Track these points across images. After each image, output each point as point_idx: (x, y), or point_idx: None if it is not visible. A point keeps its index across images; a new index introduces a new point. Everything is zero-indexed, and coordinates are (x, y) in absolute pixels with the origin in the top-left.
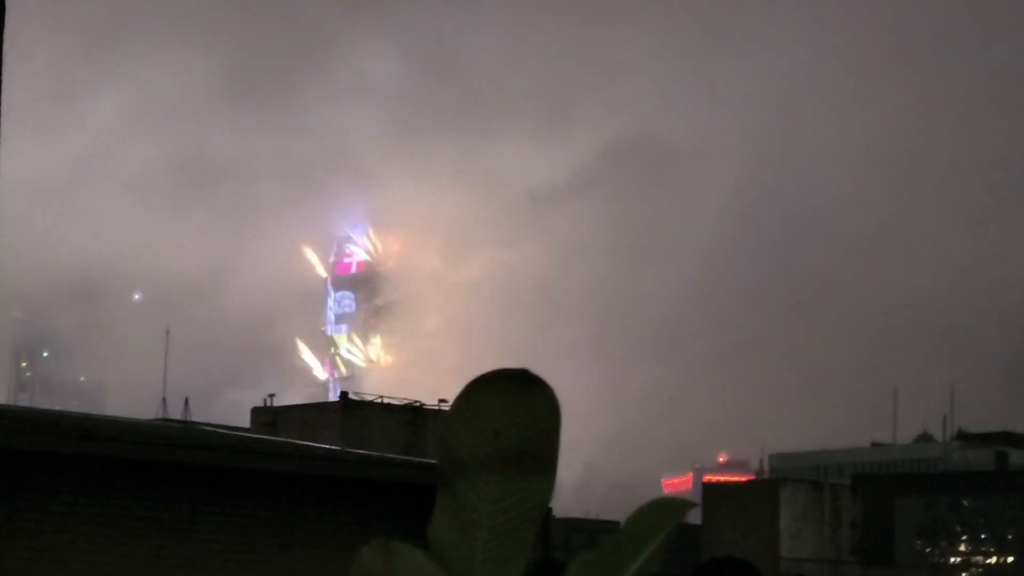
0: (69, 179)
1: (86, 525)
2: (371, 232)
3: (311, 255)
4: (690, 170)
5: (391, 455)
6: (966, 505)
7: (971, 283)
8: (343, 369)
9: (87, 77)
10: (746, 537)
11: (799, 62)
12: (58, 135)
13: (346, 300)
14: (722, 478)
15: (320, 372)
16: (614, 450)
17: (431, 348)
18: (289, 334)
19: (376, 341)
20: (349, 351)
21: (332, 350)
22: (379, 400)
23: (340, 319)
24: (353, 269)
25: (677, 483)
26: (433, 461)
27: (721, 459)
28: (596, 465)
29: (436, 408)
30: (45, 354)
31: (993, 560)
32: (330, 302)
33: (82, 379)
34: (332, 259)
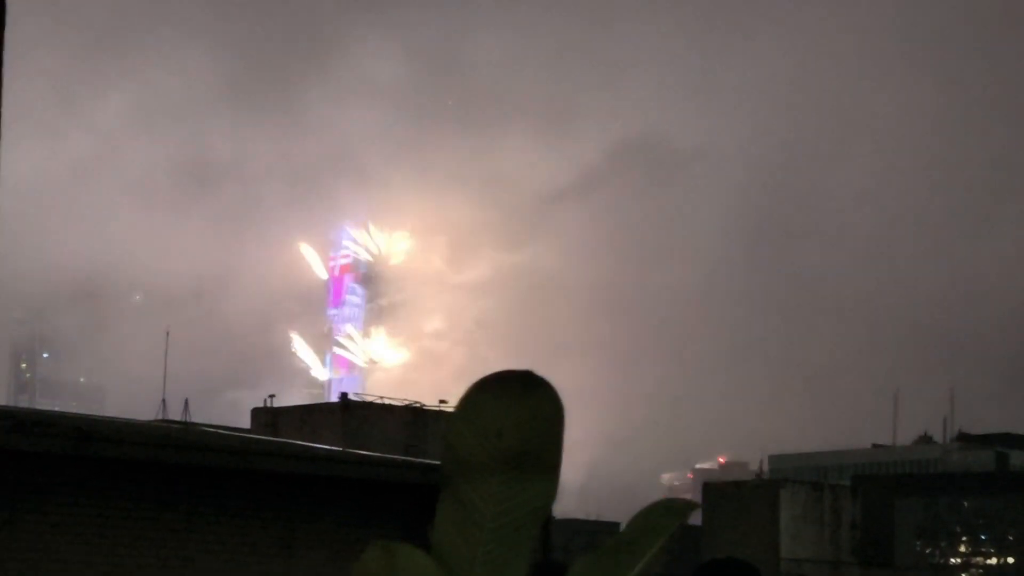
0: (71, 181)
1: (86, 526)
2: (374, 233)
3: (312, 256)
4: (694, 171)
5: (392, 456)
6: (966, 506)
7: (971, 286)
8: (338, 372)
9: (90, 79)
10: (746, 538)
11: (804, 63)
12: (60, 137)
13: (348, 301)
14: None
15: (320, 372)
16: (615, 451)
17: (435, 349)
18: (289, 335)
19: (379, 342)
20: (347, 348)
21: (334, 350)
22: (379, 401)
23: (342, 319)
24: (356, 270)
25: (677, 484)
26: (434, 462)
27: (721, 460)
28: (597, 466)
29: (437, 409)
30: (45, 355)
31: (993, 561)
32: (331, 303)
33: (82, 380)
34: (334, 260)
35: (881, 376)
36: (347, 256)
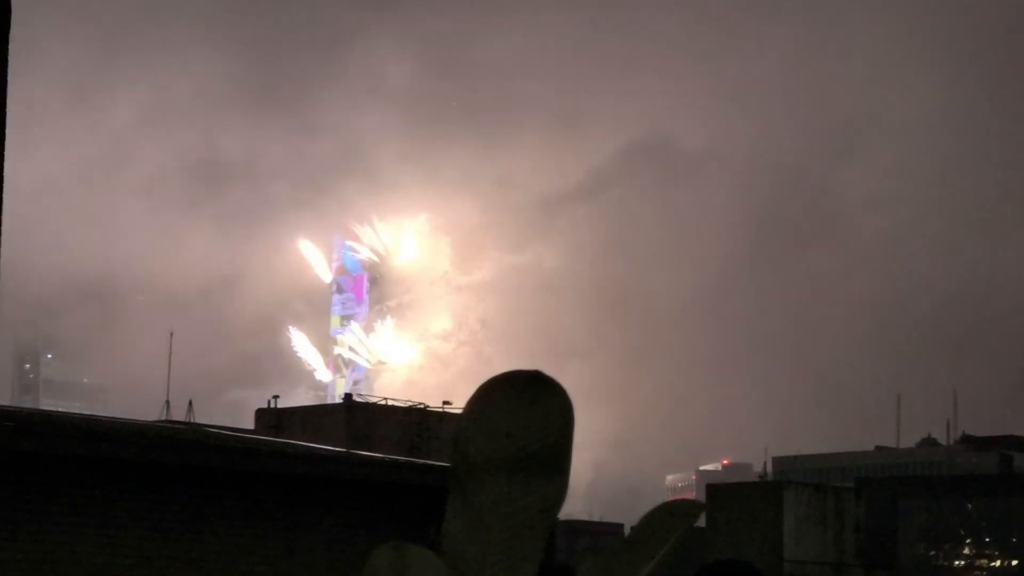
0: (79, 181)
1: (89, 527)
2: (382, 234)
3: (319, 257)
4: (703, 172)
5: (395, 457)
6: (970, 508)
7: (976, 288)
8: (344, 369)
9: (100, 79)
10: (749, 540)
11: (812, 64)
12: (69, 137)
13: (353, 301)
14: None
15: (324, 374)
16: (619, 452)
17: (440, 350)
18: (295, 336)
19: (382, 343)
20: (352, 349)
21: (336, 351)
22: (383, 402)
23: (347, 320)
24: (362, 271)
25: (680, 485)
26: (438, 463)
27: (724, 462)
28: (601, 467)
29: (440, 410)
30: (49, 356)
31: (997, 563)
32: (337, 303)
33: (86, 381)
34: (341, 261)
35: (885, 378)
36: (357, 257)
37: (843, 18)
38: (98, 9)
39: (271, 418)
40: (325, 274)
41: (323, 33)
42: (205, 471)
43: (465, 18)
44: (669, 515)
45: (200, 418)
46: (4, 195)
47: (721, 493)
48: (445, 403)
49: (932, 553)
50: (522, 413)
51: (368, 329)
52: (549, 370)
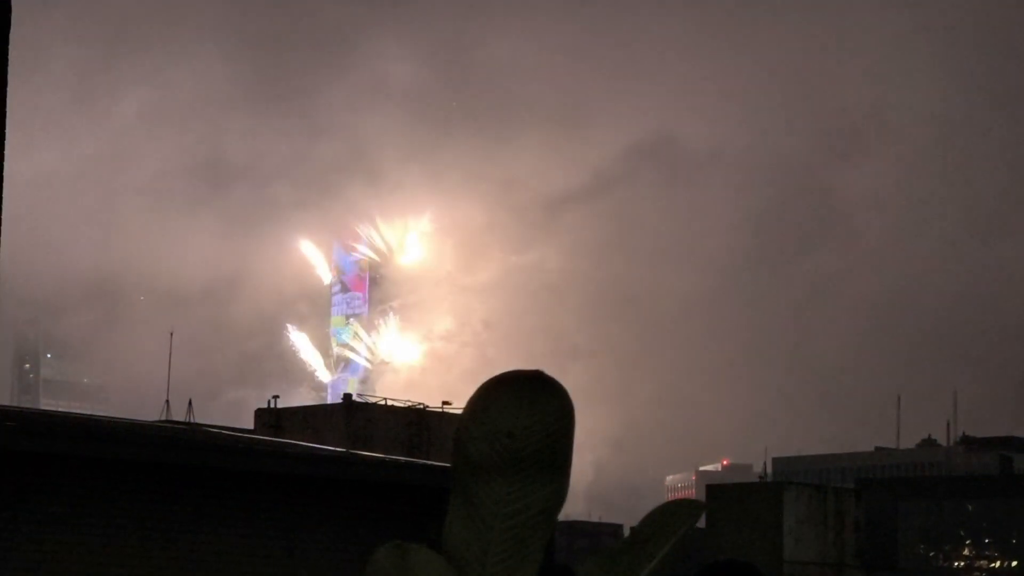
0: (82, 181)
1: (89, 527)
2: (385, 234)
3: (321, 258)
4: (707, 173)
5: (395, 457)
6: (970, 509)
7: (976, 290)
8: (335, 369)
9: (105, 78)
10: (749, 540)
11: (816, 65)
12: (72, 136)
13: (356, 301)
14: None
15: (324, 375)
16: (620, 453)
17: (443, 351)
18: (296, 336)
19: (385, 343)
20: (351, 347)
21: (336, 351)
22: (383, 402)
23: (351, 319)
24: (365, 271)
25: (679, 483)
26: (437, 464)
27: (724, 462)
28: (601, 468)
29: (440, 411)
30: (48, 356)
31: (997, 564)
32: (341, 302)
33: (86, 381)
34: (344, 261)
35: (885, 379)
36: (359, 258)
37: (846, 19)
38: (103, 9)
39: (271, 418)
40: (327, 274)
41: (327, 34)
42: (205, 471)
43: (469, 19)
44: (670, 515)
45: (200, 418)
46: (5, 194)
47: (721, 494)
48: (444, 403)
49: (932, 554)
50: (523, 413)
51: (369, 328)
52: (552, 371)
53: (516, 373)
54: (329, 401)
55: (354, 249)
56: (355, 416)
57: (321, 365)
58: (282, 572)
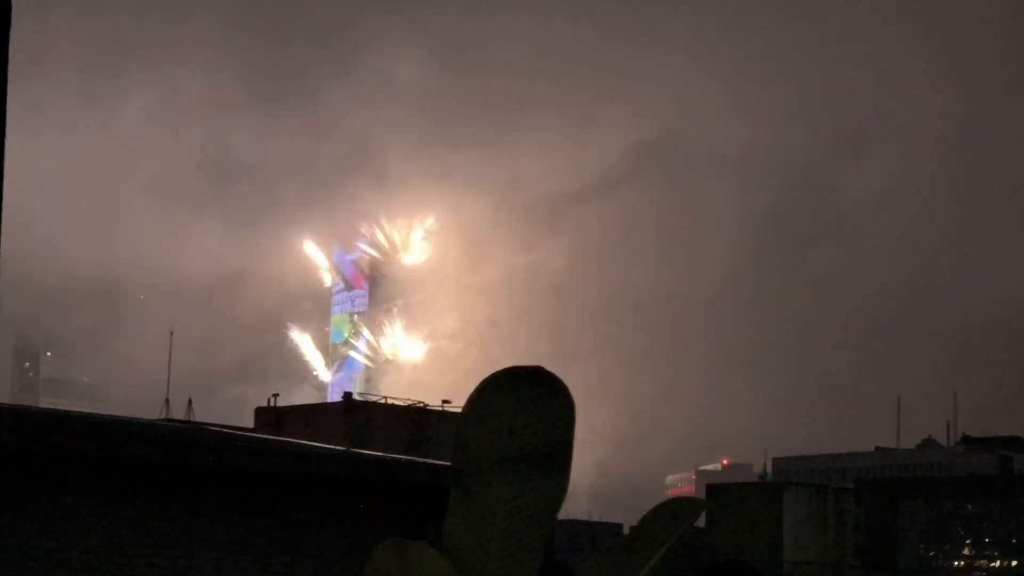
0: (86, 179)
1: (90, 525)
2: (389, 233)
3: (324, 257)
4: (713, 172)
5: (395, 456)
6: (970, 510)
7: (976, 288)
8: (331, 369)
9: (110, 77)
10: (749, 541)
11: (824, 64)
12: (76, 134)
13: (358, 300)
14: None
15: (325, 374)
16: (621, 452)
17: (448, 350)
18: (297, 335)
19: (388, 342)
20: (352, 343)
21: (334, 347)
22: (383, 401)
23: (353, 317)
24: (365, 269)
25: (680, 486)
26: (437, 462)
27: (724, 462)
28: (602, 468)
29: (440, 409)
30: (48, 354)
31: (997, 564)
32: (342, 301)
33: (86, 379)
34: (342, 259)
35: (885, 379)
36: (364, 256)
37: (854, 18)
38: (107, 7)
39: (271, 416)
40: (330, 273)
41: (333, 32)
42: (205, 469)
43: (475, 18)
44: (669, 513)
45: (200, 416)
46: (7, 193)
47: (721, 493)
48: (444, 402)
49: (932, 554)
50: (523, 410)
51: (371, 326)
52: (556, 370)
53: (516, 369)
54: (330, 400)
55: (354, 247)
56: (355, 415)
57: (322, 365)
58: (282, 570)
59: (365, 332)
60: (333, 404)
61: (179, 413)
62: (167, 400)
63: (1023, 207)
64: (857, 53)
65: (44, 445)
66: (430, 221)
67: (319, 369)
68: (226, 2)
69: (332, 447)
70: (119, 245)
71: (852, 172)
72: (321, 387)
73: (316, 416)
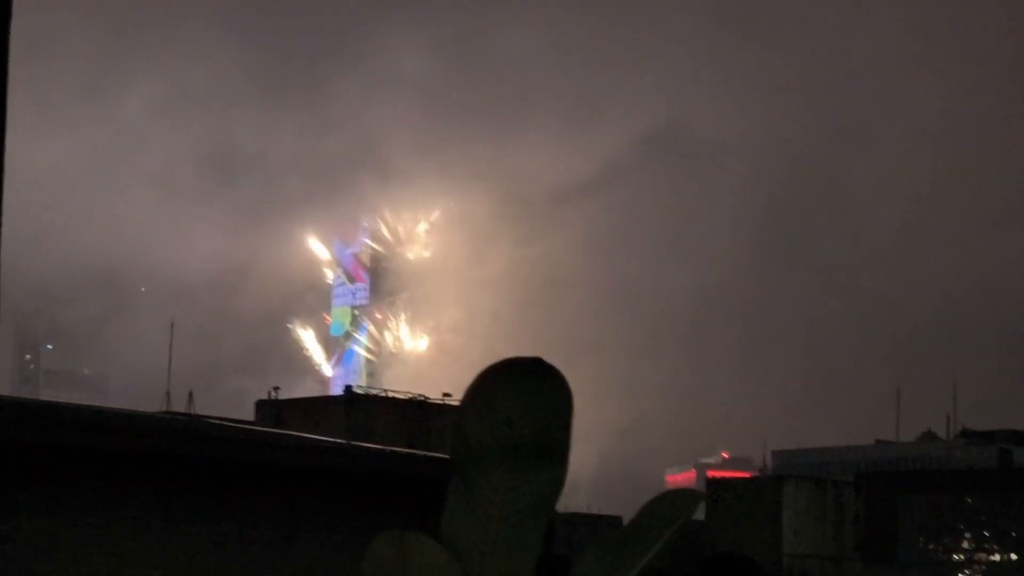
0: (91, 171)
1: (89, 517)
2: (393, 227)
3: (326, 250)
4: (716, 165)
5: (395, 448)
6: (969, 503)
7: (976, 281)
8: (336, 356)
9: (115, 69)
10: (749, 533)
11: (829, 57)
12: (81, 126)
13: (360, 293)
14: (726, 475)
15: (328, 368)
16: (622, 445)
17: (451, 343)
18: (300, 329)
19: (392, 335)
20: (352, 334)
21: (341, 339)
22: (383, 394)
23: (355, 311)
24: (366, 263)
25: (680, 479)
26: (437, 455)
27: (724, 455)
28: (604, 460)
29: (440, 403)
30: (49, 346)
31: (996, 557)
32: (343, 294)
33: (86, 371)
34: (348, 252)
35: (885, 373)
36: (367, 250)
37: (857, 10)
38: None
39: (272, 409)
40: (332, 266)
41: (339, 25)
42: (205, 462)
43: (480, 12)
44: (668, 505)
45: (201, 409)
46: (9, 186)
47: (721, 486)
48: (445, 395)
49: (931, 547)
50: (523, 400)
51: (372, 319)
52: (559, 363)
53: (515, 360)
54: (332, 393)
55: (356, 240)
56: (356, 408)
57: (324, 358)
58: (282, 563)
59: (366, 325)
60: (334, 397)
61: (180, 406)
62: (168, 392)
63: None
64: (861, 45)
65: (44, 437)
66: (434, 213)
67: (322, 364)
68: None
69: (332, 440)
70: (122, 237)
71: (855, 165)
72: (324, 381)
73: (317, 409)
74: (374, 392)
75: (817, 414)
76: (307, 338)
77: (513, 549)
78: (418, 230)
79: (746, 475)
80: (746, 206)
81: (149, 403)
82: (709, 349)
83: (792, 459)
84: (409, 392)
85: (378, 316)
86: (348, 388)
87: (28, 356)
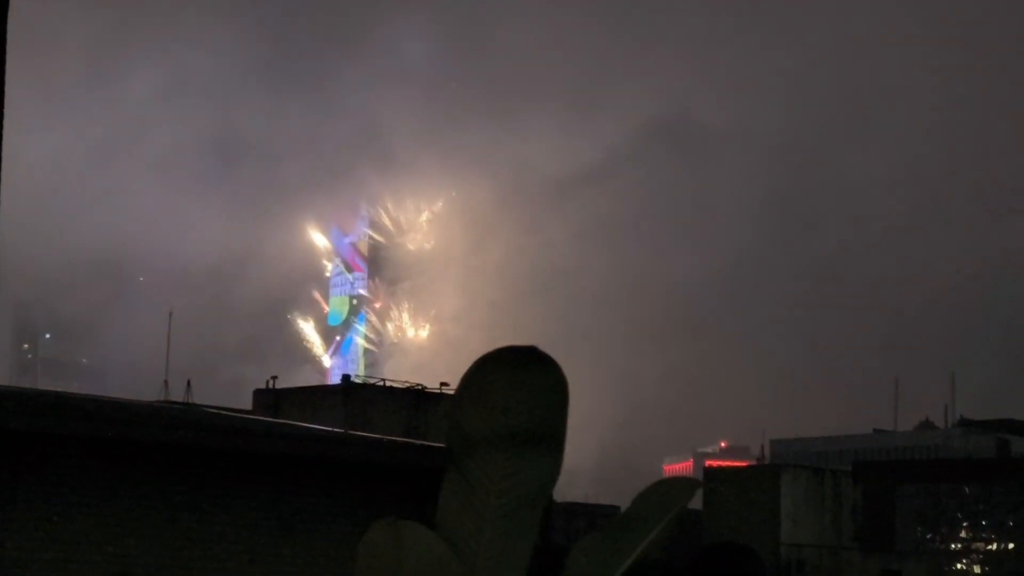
0: (91, 160)
1: (88, 506)
2: (395, 215)
3: (325, 239)
4: (720, 154)
5: (393, 438)
6: (967, 492)
7: (975, 271)
8: (333, 345)
9: (117, 56)
10: (746, 523)
11: (837, 45)
12: (83, 114)
13: (358, 282)
14: (724, 464)
15: (326, 359)
16: (620, 435)
17: (452, 332)
18: (299, 319)
19: (393, 324)
20: (349, 322)
21: (339, 328)
22: (381, 383)
23: (353, 300)
24: (364, 252)
25: (678, 468)
26: (435, 444)
27: (722, 444)
28: (602, 450)
29: (438, 392)
30: (47, 336)
31: (994, 547)
32: (341, 283)
33: (84, 361)
34: (345, 241)
35: (883, 361)
36: (368, 238)
37: (867, 2)
38: None
39: (269, 398)
40: (331, 254)
41: (341, 13)
42: (203, 451)
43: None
44: (664, 493)
45: (199, 398)
46: (8, 175)
47: (719, 476)
48: (443, 384)
49: (929, 536)
50: (518, 389)
51: (373, 309)
52: (560, 352)
53: (510, 348)
54: (331, 382)
55: (355, 229)
56: (354, 397)
57: (323, 348)
58: (279, 551)
59: (365, 314)
60: (332, 387)
61: (178, 395)
62: (166, 381)
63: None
64: (865, 33)
65: (42, 427)
66: (436, 202)
67: (321, 353)
68: None
69: (330, 429)
70: (122, 225)
71: (856, 153)
72: (322, 371)
73: (315, 398)
74: (372, 381)
75: (815, 403)
76: (306, 327)
77: (509, 537)
78: (419, 219)
79: (744, 464)
80: (747, 195)
81: (147, 392)
82: (709, 338)
83: (790, 448)
84: (407, 381)
85: (377, 305)
86: (346, 377)
87: (26, 345)
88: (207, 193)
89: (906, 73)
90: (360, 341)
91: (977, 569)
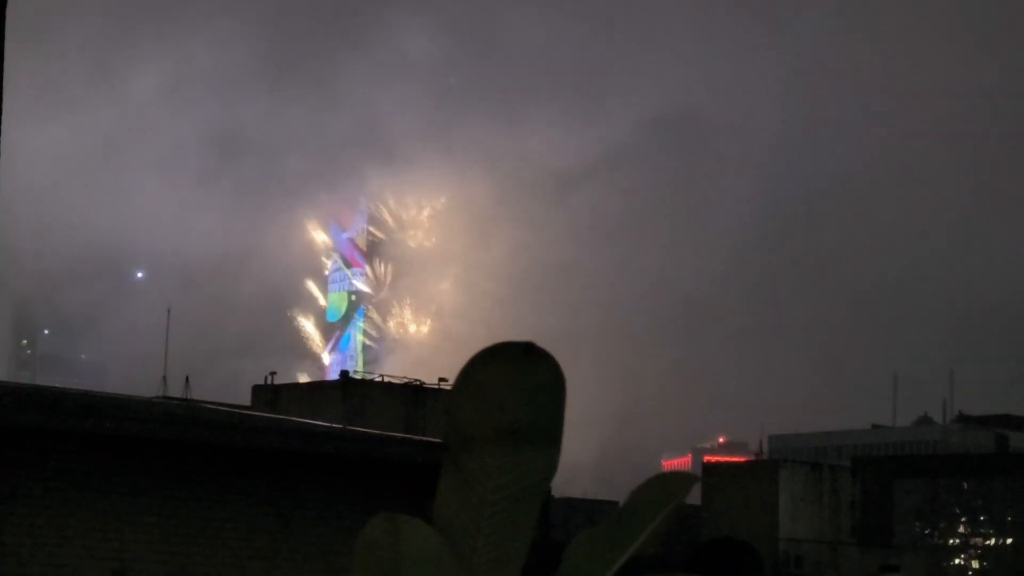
0: (89, 155)
1: (87, 502)
2: (396, 211)
3: (325, 235)
4: (722, 150)
5: (391, 433)
6: (965, 487)
7: (973, 267)
8: (332, 340)
9: (120, 51)
10: (745, 518)
11: (840, 39)
12: (86, 109)
13: (357, 278)
14: (722, 459)
15: (325, 356)
16: (621, 431)
17: (452, 328)
18: (298, 315)
19: (394, 320)
20: (350, 318)
21: (338, 324)
22: (379, 379)
23: (352, 296)
24: (367, 248)
25: (677, 464)
26: (433, 440)
27: (720, 440)
28: (602, 446)
29: (437, 387)
30: (46, 332)
31: (992, 542)
32: (340, 279)
33: (83, 357)
34: (344, 237)
35: (881, 357)
36: (369, 233)
37: None
38: None
39: (268, 394)
40: (332, 250)
41: (343, 8)
42: (202, 446)
43: None
44: (661, 487)
45: (198, 394)
46: (6, 168)
47: (717, 471)
48: (441, 380)
49: (927, 532)
50: (515, 384)
51: (374, 305)
52: (560, 349)
53: (506, 344)
54: (329, 378)
55: (354, 225)
56: (352, 393)
57: (321, 344)
58: (277, 546)
59: (363, 309)
60: (330, 382)
61: (177, 391)
62: (164, 377)
63: (1021, 183)
64: (867, 29)
65: (41, 422)
66: (438, 198)
67: (320, 349)
68: None
69: (328, 424)
70: (121, 221)
71: (857, 150)
72: (321, 366)
73: (313, 394)
74: (370, 377)
75: (813, 399)
76: (305, 323)
77: (506, 533)
78: (421, 214)
79: (742, 460)
80: (747, 192)
81: (146, 388)
82: (709, 334)
83: (788, 443)
84: (405, 377)
85: (376, 301)
86: (344, 373)
87: (25, 341)
88: (207, 189)
89: (907, 71)
90: (359, 337)
91: (975, 564)
